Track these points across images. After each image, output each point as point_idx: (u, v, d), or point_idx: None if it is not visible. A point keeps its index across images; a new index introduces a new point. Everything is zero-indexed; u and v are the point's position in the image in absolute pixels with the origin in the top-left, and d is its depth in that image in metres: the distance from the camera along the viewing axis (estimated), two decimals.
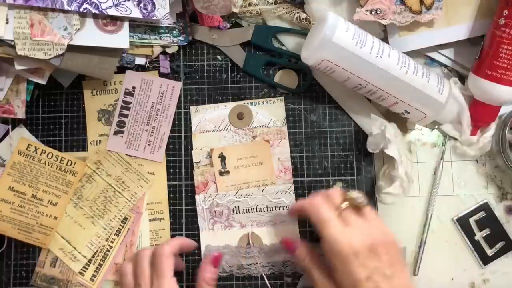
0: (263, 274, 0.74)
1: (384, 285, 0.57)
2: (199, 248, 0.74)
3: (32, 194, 0.73)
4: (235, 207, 0.75)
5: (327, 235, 0.59)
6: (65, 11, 0.67)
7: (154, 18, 0.70)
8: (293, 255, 0.68)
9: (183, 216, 0.75)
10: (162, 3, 0.70)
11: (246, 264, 0.74)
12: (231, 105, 0.76)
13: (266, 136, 0.75)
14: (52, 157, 0.74)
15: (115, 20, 0.70)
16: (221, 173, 0.75)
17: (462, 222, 0.74)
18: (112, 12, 0.68)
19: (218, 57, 0.77)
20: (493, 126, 0.72)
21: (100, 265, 0.74)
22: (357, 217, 0.62)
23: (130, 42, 0.71)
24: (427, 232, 0.74)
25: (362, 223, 0.61)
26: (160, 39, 0.74)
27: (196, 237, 0.75)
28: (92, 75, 0.71)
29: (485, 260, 0.74)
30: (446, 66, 0.75)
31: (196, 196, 0.75)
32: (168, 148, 0.76)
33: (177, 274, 0.69)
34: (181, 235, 0.75)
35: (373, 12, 0.69)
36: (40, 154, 0.74)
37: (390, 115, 0.74)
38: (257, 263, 0.73)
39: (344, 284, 0.58)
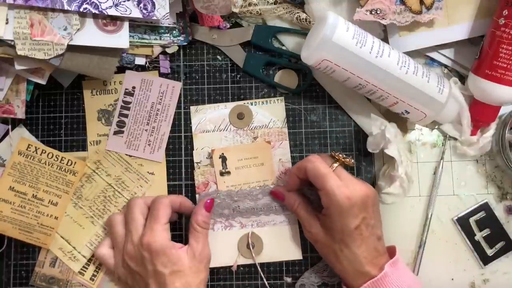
0: (263, 275, 0.74)
1: (366, 233, 0.65)
2: None
3: (33, 194, 0.73)
4: (235, 207, 0.75)
5: (329, 188, 0.65)
6: (65, 11, 0.67)
7: (154, 18, 0.70)
8: (284, 203, 0.73)
9: (183, 216, 0.75)
10: (162, 3, 0.70)
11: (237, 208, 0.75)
12: (231, 105, 0.76)
13: (267, 138, 0.75)
14: (52, 157, 0.74)
15: (115, 20, 0.70)
16: (221, 174, 0.75)
17: (462, 222, 0.74)
18: (112, 12, 0.68)
19: (218, 57, 0.77)
20: (493, 126, 0.72)
21: (100, 265, 0.74)
22: (348, 174, 0.68)
23: (130, 42, 0.71)
24: (427, 232, 0.74)
25: (352, 179, 0.67)
26: (160, 39, 0.74)
27: None
28: (92, 75, 0.71)
29: (485, 260, 0.74)
30: (446, 66, 0.75)
31: (197, 196, 0.75)
32: (168, 148, 0.76)
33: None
34: (181, 235, 0.75)
35: (373, 12, 0.69)
36: (41, 154, 0.74)
37: (390, 115, 0.74)
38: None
39: (335, 229, 0.66)
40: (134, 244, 0.68)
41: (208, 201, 0.71)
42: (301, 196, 0.72)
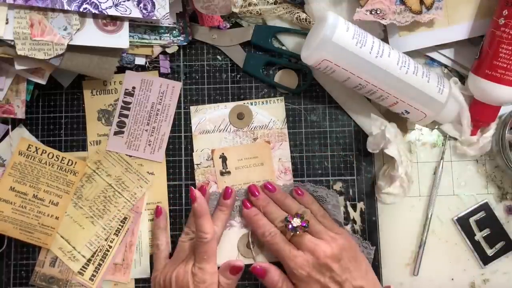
0: None
1: None
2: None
3: (33, 194, 0.73)
4: (235, 207, 0.75)
5: (284, 263, 0.68)
6: (65, 11, 0.67)
7: (154, 18, 0.70)
8: (264, 280, 0.70)
9: (183, 216, 0.75)
10: (162, 3, 0.70)
11: None
12: (231, 105, 0.76)
13: (267, 138, 0.75)
14: (52, 157, 0.74)
15: (115, 20, 0.70)
16: (222, 174, 0.75)
17: (462, 222, 0.74)
18: (112, 12, 0.68)
19: (218, 57, 0.77)
20: (493, 126, 0.72)
21: (99, 265, 0.74)
22: (304, 238, 0.68)
23: (130, 42, 0.71)
24: (427, 232, 0.74)
25: (308, 243, 0.67)
26: (160, 39, 0.74)
27: None
28: (92, 75, 0.71)
29: (485, 260, 0.74)
30: (446, 66, 0.75)
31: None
32: (168, 148, 0.76)
33: None
34: (181, 235, 0.75)
35: (373, 12, 0.69)
36: (41, 154, 0.74)
37: (390, 115, 0.74)
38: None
39: None
40: (187, 269, 0.68)
41: (233, 266, 0.69)
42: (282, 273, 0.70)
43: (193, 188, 0.70)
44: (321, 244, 0.67)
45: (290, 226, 0.68)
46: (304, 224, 0.68)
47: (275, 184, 0.74)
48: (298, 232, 0.67)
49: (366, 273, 0.68)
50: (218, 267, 0.69)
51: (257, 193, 0.73)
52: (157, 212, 0.74)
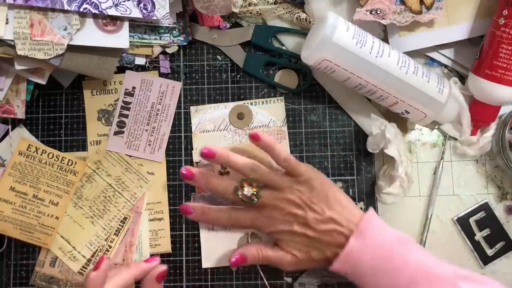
0: (263, 275, 0.74)
1: (307, 230, 0.67)
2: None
3: (34, 194, 0.73)
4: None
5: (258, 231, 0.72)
6: (65, 11, 0.67)
7: (154, 18, 0.70)
8: (248, 263, 0.70)
9: (183, 216, 0.75)
10: (162, 3, 0.71)
11: None
12: (231, 105, 0.76)
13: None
14: (52, 157, 0.74)
15: (115, 20, 0.70)
16: (221, 174, 0.75)
17: (462, 222, 0.74)
18: (112, 12, 0.68)
19: (218, 57, 0.77)
20: (493, 126, 0.72)
21: None
22: (265, 199, 0.68)
23: (130, 42, 0.71)
24: (427, 232, 0.74)
25: (270, 201, 0.68)
26: (160, 39, 0.74)
27: (196, 237, 0.75)
28: (92, 75, 0.71)
29: (485, 260, 0.74)
30: (446, 66, 0.75)
31: (191, 197, 0.75)
32: (168, 148, 0.76)
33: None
34: (181, 235, 0.75)
35: (373, 12, 0.69)
36: (41, 154, 0.74)
37: (390, 115, 0.74)
38: None
39: (291, 250, 0.68)
40: None
41: (159, 273, 0.70)
42: (256, 243, 0.72)
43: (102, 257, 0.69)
44: (279, 197, 0.67)
45: (244, 198, 0.67)
46: (255, 196, 0.67)
47: (211, 147, 0.70)
48: (254, 201, 0.68)
49: (334, 203, 0.67)
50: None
51: (190, 175, 0.71)
52: (97, 264, 0.68)
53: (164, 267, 0.70)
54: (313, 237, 0.66)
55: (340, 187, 0.74)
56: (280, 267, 0.69)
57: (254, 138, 0.69)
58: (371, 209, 0.67)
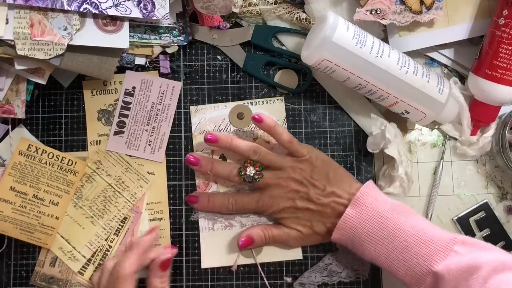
0: (263, 275, 0.74)
1: (309, 204, 0.69)
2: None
3: (34, 194, 0.73)
4: None
5: (262, 213, 0.73)
6: (65, 11, 0.67)
7: (154, 18, 0.70)
8: (255, 245, 0.72)
9: (183, 216, 0.75)
10: (162, 3, 0.71)
11: None
12: (231, 105, 0.76)
13: (266, 138, 0.75)
14: (53, 157, 0.74)
15: (115, 20, 0.70)
16: None
17: (462, 222, 0.74)
18: (112, 12, 0.68)
19: (218, 57, 0.77)
20: (493, 126, 0.72)
21: (99, 264, 0.74)
22: (267, 179, 0.71)
23: (130, 42, 0.71)
24: None
25: (272, 181, 0.70)
26: (160, 39, 0.74)
27: (196, 237, 0.75)
28: (92, 75, 0.71)
29: None
30: (446, 66, 0.75)
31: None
32: (168, 148, 0.76)
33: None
34: (181, 235, 0.75)
35: (373, 12, 0.69)
36: (41, 154, 0.74)
37: (390, 115, 0.74)
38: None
39: (295, 226, 0.71)
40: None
41: (163, 261, 0.68)
42: (261, 224, 0.75)
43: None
44: (281, 175, 0.70)
45: (247, 178, 0.70)
46: (258, 175, 0.70)
47: (214, 133, 0.71)
48: (257, 180, 0.70)
49: (334, 178, 0.70)
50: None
51: (194, 160, 0.72)
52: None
53: (168, 255, 0.68)
54: (316, 210, 0.69)
55: None
56: (286, 244, 0.73)
57: (257, 120, 0.70)
58: (369, 181, 0.69)
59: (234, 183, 0.73)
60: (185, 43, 0.75)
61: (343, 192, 0.68)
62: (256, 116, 0.70)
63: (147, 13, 0.70)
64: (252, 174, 0.70)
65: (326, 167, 0.70)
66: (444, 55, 0.74)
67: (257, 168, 0.70)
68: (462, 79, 0.75)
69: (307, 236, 0.71)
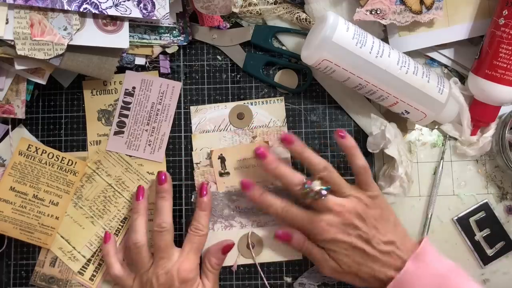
0: (263, 275, 0.74)
1: (367, 247, 0.65)
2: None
3: (34, 194, 0.73)
4: (235, 207, 0.75)
5: (309, 233, 0.67)
6: (65, 11, 0.67)
7: (154, 18, 0.70)
8: (291, 243, 0.70)
9: (183, 216, 0.75)
10: (162, 3, 0.71)
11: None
12: (231, 105, 0.76)
13: (266, 137, 0.75)
14: (53, 157, 0.74)
15: (115, 20, 0.70)
16: (221, 174, 0.75)
17: (462, 222, 0.74)
18: (112, 12, 0.68)
19: (218, 57, 0.77)
20: (493, 126, 0.72)
21: (99, 265, 0.74)
22: (329, 201, 0.66)
23: (130, 42, 0.71)
24: (427, 232, 0.74)
25: (333, 205, 0.66)
26: (160, 39, 0.74)
27: None
28: (92, 75, 0.71)
29: (485, 260, 0.74)
30: (446, 66, 0.75)
31: (192, 196, 0.75)
32: (168, 148, 0.76)
33: None
34: (181, 235, 0.75)
35: (373, 12, 0.69)
36: (41, 154, 0.74)
37: (390, 115, 0.74)
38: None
39: (339, 261, 0.67)
40: (166, 270, 0.68)
41: (226, 244, 0.72)
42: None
43: (204, 182, 0.73)
44: (346, 204, 0.66)
45: (311, 192, 0.66)
46: (324, 192, 0.65)
47: (292, 135, 0.69)
48: (320, 198, 0.66)
49: (394, 226, 0.67)
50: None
51: (263, 153, 0.69)
52: (139, 193, 0.73)
53: (231, 241, 0.73)
54: (372, 255, 0.65)
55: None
56: (318, 267, 0.69)
57: (341, 137, 0.68)
58: (427, 238, 0.67)
59: (292, 191, 0.68)
60: (185, 43, 0.75)
61: (401, 244, 0.65)
62: (341, 133, 0.68)
63: (147, 13, 0.70)
64: (317, 189, 0.65)
65: (389, 212, 0.68)
66: (444, 55, 0.74)
67: (325, 186, 0.66)
68: (462, 79, 0.75)
69: (345, 274, 0.67)
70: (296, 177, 0.68)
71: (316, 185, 0.66)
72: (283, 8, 0.75)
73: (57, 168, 0.74)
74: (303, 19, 0.74)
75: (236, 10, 0.73)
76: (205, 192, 0.72)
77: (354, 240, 0.65)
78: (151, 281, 0.68)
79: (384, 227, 0.66)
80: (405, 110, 0.70)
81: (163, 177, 0.72)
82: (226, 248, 0.72)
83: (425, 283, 0.63)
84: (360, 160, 0.67)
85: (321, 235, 0.66)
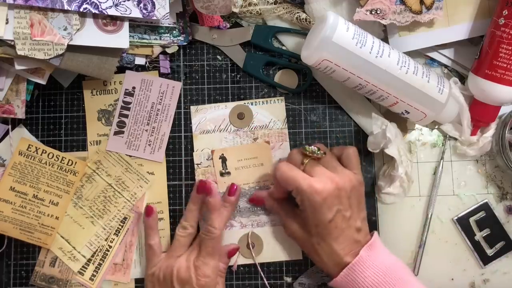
0: (263, 275, 0.74)
1: (342, 225, 0.65)
2: None
3: (34, 194, 0.73)
4: (236, 206, 0.75)
5: (298, 186, 0.65)
6: (65, 11, 0.67)
7: (154, 18, 0.70)
8: (265, 206, 0.74)
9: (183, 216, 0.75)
10: (162, 3, 0.70)
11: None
12: (231, 105, 0.76)
13: (267, 139, 0.75)
14: (53, 157, 0.74)
15: (115, 20, 0.70)
16: (222, 174, 0.75)
17: (462, 222, 0.74)
18: (112, 12, 0.68)
19: (218, 57, 0.77)
20: (493, 126, 0.72)
21: (99, 264, 0.74)
22: (320, 167, 0.67)
23: (130, 42, 0.71)
24: (427, 232, 0.74)
25: (325, 172, 0.66)
26: (160, 39, 0.74)
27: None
28: (92, 75, 0.71)
29: (485, 260, 0.74)
30: (446, 66, 0.75)
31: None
32: (168, 148, 0.76)
33: None
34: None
35: (373, 12, 0.69)
36: (41, 154, 0.74)
37: (390, 115, 0.74)
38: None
39: (310, 224, 0.66)
40: (189, 262, 0.70)
41: (233, 248, 0.74)
42: (281, 198, 0.73)
43: (210, 181, 0.74)
44: (337, 177, 0.66)
45: (307, 152, 0.67)
46: (322, 151, 0.67)
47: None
48: (316, 154, 0.67)
49: (364, 215, 0.68)
50: None
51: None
52: (148, 211, 0.74)
53: (237, 245, 0.75)
54: (339, 234, 0.66)
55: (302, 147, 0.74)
56: (283, 223, 0.72)
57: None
58: (376, 232, 0.68)
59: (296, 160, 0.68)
60: (185, 43, 0.75)
61: (363, 233, 0.67)
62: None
63: (147, 13, 0.70)
64: (313, 149, 0.66)
65: (364, 202, 0.69)
66: (444, 55, 0.74)
67: (321, 151, 0.67)
68: (462, 79, 0.75)
69: (305, 241, 0.69)
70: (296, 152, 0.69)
71: (313, 147, 0.67)
72: (283, 8, 0.75)
73: (57, 168, 0.74)
74: (303, 19, 0.74)
75: (236, 10, 0.73)
76: (210, 192, 0.73)
77: (335, 214, 0.65)
78: (171, 271, 0.70)
79: (358, 213, 0.67)
80: (405, 110, 0.70)
81: (235, 188, 0.74)
82: (232, 252, 0.73)
83: (373, 272, 0.64)
84: (349, 147, 0.70)
85: (311, 195, 0.65)
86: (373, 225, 0.73)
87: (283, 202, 0.72)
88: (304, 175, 0.66)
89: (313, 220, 0.66)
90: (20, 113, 0.73)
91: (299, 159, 0.68)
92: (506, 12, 0.67)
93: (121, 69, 0.75)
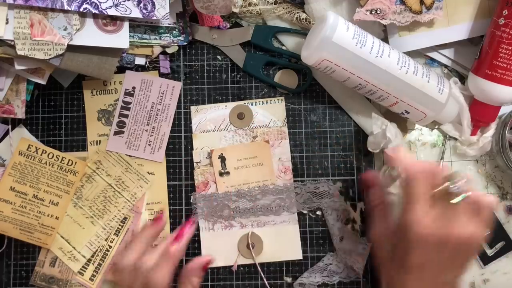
0: (263, 275, 0.74)
1: (427, 275, 0.57)
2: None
3: (34, 194, 0.73)
4: (235, 207, 0.75)
5: (407, 217, 0.57)
6: (65, 11, 0.67)
7: (154, 18, 0.70)
8: (368, 190, 0.69)
9: (183, 216, 0.75)
10: (162, 3, 0.71)
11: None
12: (231, 105, 0.76)
13: (266, 137, 0.75)
14: (52, 157, 0.74)
15: (115, 20, 0.70)
16: (221, 174, 0.75)
17: None
18: (112, 12, 0.68)
19: (218, 57, 0.77)
20: (493, 126, 0.72)
21: (99, 265, 0.74)
22: (447, 203, 0.57)
23: (130, 42, 0.71)
24: None
25: (447, 211, 0.56)
26: (160, 39, 0.74)
27: (196, 237, 0.75)
28: (92, 75, 0.71)
29: (485, 260, 0.74)
30: (446, 66, 0.75)
31: (191, 197, 0.75)
32: (168, 148, 0.76)
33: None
34: None
35: (373, 12, 0.69)
36: (41, 154, 0.74)
37: (390, 115, 0.74)
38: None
39: (398, 248, 0.59)
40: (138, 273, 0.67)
41: (207, 260, 0.72)
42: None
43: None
44: (460, 228, 0.56)
45: (454, 187, 0.56)
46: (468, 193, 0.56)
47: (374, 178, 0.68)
48: (460, 199, 0.56)
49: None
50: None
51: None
52: (158, 218, 0.71)
53: (210, 257, 0.72)
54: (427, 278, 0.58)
55: (340, 187, 0.74)
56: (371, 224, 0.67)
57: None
58: None
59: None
60: (185, 43, 0.75)
61: None
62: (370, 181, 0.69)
63: (147, 13, 0.70)
64: (462, 188, 0.56)
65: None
66: (444, 55, 0.74)
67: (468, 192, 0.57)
68: (462, 79, 0.75)
69: (383, 249, 0.63)
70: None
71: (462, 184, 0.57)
72: (283, 8, 0.75)
73: (57, 168, 0.74)
74: (303, 19, 0.74)
75: (236, 10, 0.73)
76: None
77: (436, 261, 0.57)
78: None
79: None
80: (405, 110, 0.70)
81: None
82: (207, 265, 0.72)
83: None
84: (491, 196, 0.61)
85: (411, 229, 0.57)
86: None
87: (384, 209, 0.66)
88: (422, 206, 0.57)
89: (400, 253, 0.59)
90: (20, 113, 0.73)
91: (438, 180, 0.58)
92: (506, 12, 0.67)
93: (121, 69, 0.75)
